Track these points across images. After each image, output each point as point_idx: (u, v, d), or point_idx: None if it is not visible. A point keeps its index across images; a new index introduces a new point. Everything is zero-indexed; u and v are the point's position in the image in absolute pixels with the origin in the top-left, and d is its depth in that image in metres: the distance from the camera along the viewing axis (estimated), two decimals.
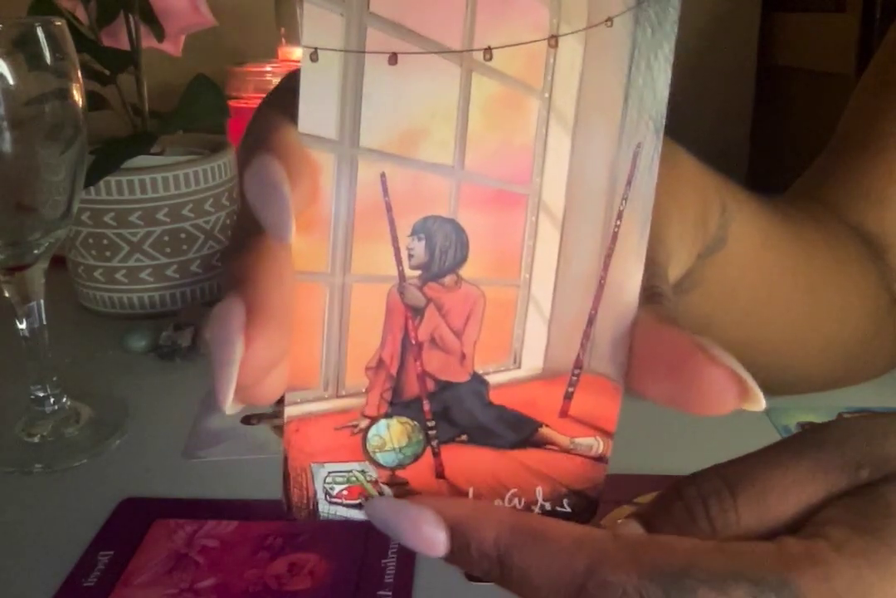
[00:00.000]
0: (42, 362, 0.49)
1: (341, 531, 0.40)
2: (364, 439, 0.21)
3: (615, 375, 0.21)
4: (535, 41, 0.19)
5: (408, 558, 0.39)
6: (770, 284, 0.37)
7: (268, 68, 0.83)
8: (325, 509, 0.22)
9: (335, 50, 0.19)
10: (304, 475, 0.21)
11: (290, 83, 0.19)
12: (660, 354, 0.20)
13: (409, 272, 0.20)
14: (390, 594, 0.37)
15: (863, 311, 0.42)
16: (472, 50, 0.19)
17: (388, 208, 0.20)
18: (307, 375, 0.20)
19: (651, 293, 0.22)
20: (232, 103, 0.78)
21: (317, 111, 0.19)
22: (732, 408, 0.20)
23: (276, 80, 0.81)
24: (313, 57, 0.18)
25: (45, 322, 0.48)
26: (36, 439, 0.49)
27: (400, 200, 0.20)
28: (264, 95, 0.22)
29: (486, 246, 0.20)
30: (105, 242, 0.63)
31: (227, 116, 0.70)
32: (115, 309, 0.66)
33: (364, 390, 0.21)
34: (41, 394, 0.50)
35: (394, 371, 0.21)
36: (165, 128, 0.65)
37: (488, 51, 0.19)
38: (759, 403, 0.19)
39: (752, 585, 0.18)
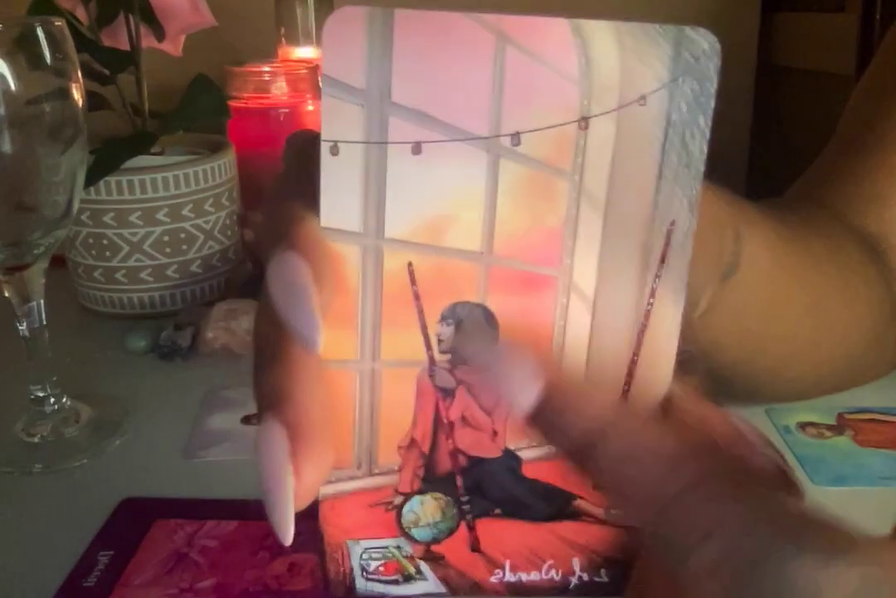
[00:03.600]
0: (42, 362, 0.49)
1: None
2: (398, 515, 0.21)
3: None
4: (564, 124, 0.19)
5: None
6: (778, 304, 0.37)
7: (268, 68, 0.83)
8: (363, 585, 0.22)
9: (356, 142, 0.18)
10: (341, 552, 0.21)
11: (300, 165, 0.19)
12: (696, 433, 0.20)
13: (438, 356, 0.20)
14: None
15: (866, 318, 0.42)
16: (499, 136, 0.18)
17: (416, 297, 0.19)
18: (341, 455, 0.20)
19: (681, 359, 0.21)
20: (232, 103, 0.78)
21: (339, 204, 0.18)
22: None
23: (276, 81, 0.81)
24: (333, 150, 0.18)
25: (45, 322, 0.48)
26: (36, 439, 0.49)
27: (428, 287, 0.19)
28: (276, 177, 0.21)
29: (516, 328, 0.20)
30: (105, 242, 0.63)
31: (227, 116, 0.70)
32: (115, 309, 0.66)
33: (397, 469, 0.21)
34: (41, 394, 0.50)
35: (426, 449, 0.21)
36: (165, 128, 0.65)
37: (516, 136, 0.19)
38: (801, 493, 0.19)
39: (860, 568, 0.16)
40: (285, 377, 0.18)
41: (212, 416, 0.52)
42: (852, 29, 0.95)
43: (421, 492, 0.21)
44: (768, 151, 1.14)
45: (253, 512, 0.42)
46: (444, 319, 0.20)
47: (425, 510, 0.21)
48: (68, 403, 0.51)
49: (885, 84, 0.46)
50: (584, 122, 0.19)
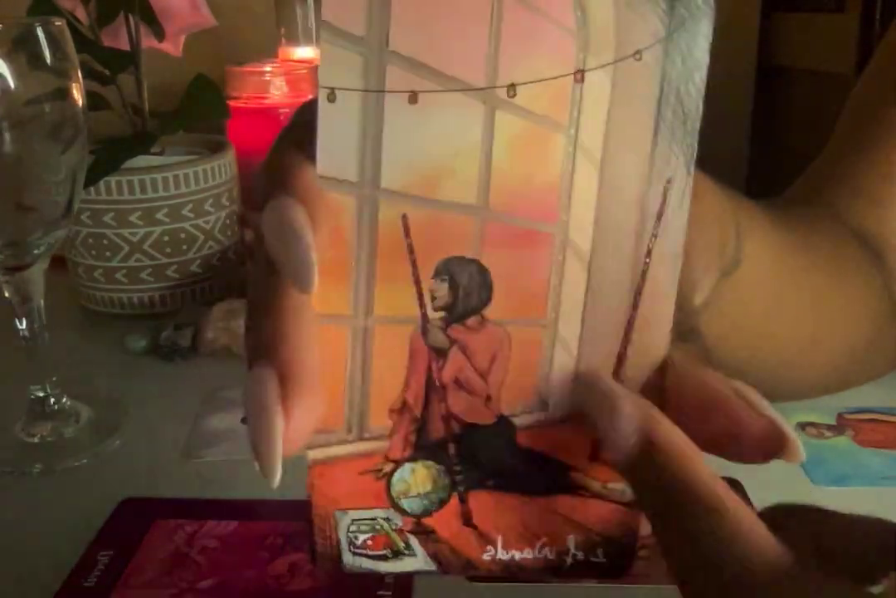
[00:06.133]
0: (42, 362, 0.49)
1: None
2: (388, 484, 0.21)
3: None
4: (560, 77, 0.19)
5: None
6: (779, 300, 0.37)
7: (268, 68, 0.83)
8: (350, 560, 0.21)
9: (353, 90, 0.18)
10: (328, 523, 0.21)
11: (304, 117, 0.19)
12: (695, 398, 0.20)
13: (432, 314, 0.20)
14: (390, 594, 0.37)
15: (866, 318, 0.42)
16: (495, 87, 0.18)
17: (410, 250, 0.19)
18: (331, 417, 0.20)
19: (680, 330, 0.21)
20: (232, 103, 0.78)
21: (336, 153, 0.18)
22: (771, 459, 0.19)
23: (276, 81, 0.81)
24: (331, 97, 0.18)
25: (45, 322, 0.48)
26: (36, 439, 0.49)
27: (422, 240, 0.19)
28: (280, 130, 0.21)
29: (510, 286, 0.20)
30: (105, 242, 0.63)
31: (227, 116, 0.70)
32: (115, 309, 0.66)
33: (388, 433, 0.20)
34: (41, 394, 0.50)
35: (418, 413, 0.20)
36: (165, 128, 0.65)
37: (512, 87, 0.18)
38: (800, 456, 0.19)
39: None
40: (277, 326, 0.18)
41: (212, 416, 0.51)
42: (852, 29, 0.95)
43: (412, 459, 0.21)
44: (768, 151, 1.14)
45: (253, 512, 0.42)
46: (438, 274, 0.19)
47: (416, 479, 0.21)
48: (68, 403, 0.51)
49: (882, 85, 0.46)
50: (580, 74, 0.19)
